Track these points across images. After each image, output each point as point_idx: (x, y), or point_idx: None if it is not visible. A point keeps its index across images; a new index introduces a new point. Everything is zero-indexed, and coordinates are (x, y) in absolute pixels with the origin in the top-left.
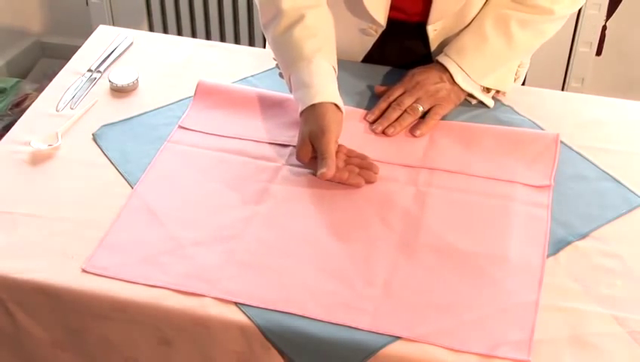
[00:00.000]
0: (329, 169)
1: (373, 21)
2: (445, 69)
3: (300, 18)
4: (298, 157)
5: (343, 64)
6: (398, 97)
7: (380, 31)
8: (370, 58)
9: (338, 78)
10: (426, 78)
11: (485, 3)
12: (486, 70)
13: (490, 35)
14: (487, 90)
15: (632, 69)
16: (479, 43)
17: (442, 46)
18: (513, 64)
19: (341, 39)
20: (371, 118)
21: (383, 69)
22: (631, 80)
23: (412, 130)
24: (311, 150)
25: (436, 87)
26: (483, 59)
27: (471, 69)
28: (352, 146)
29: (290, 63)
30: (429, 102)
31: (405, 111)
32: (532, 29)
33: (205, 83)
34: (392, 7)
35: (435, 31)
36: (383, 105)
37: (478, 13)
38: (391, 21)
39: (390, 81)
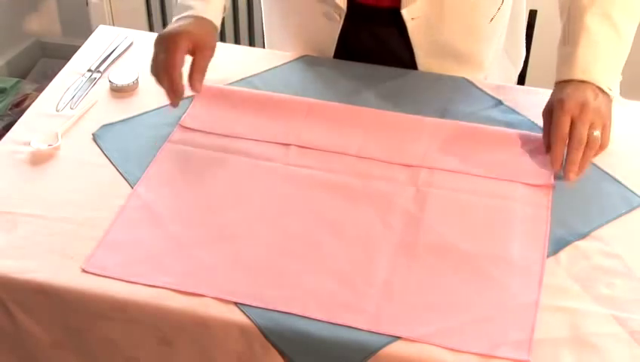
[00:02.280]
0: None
1: (333, 4)
2: (590, 84)
3: None
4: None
5: (338, 63)
6: (571, 131)
7: (343, 15)
8: (343, 48)
9: (327, 78)
10: (586, 98)
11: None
12: (616, 68)
13: (601, 40)
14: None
15: (632, 69)
16: (595, 53)
17: (426, 42)
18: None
19: (307, 25)
20: (557, 166)
21: (377, 68)
22: (631, 80)
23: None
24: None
25: (597, 103)
26: (609, 64)
27: (606, 78)
28: (351, 145)
29: None
30: (599, 123)
31: (586, 145)
32: (630, 11)
33: (205, 83)
34: None
35: (412, 20)
36: (560, 146)
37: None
38: (355, 4)
39: (388, 82)
